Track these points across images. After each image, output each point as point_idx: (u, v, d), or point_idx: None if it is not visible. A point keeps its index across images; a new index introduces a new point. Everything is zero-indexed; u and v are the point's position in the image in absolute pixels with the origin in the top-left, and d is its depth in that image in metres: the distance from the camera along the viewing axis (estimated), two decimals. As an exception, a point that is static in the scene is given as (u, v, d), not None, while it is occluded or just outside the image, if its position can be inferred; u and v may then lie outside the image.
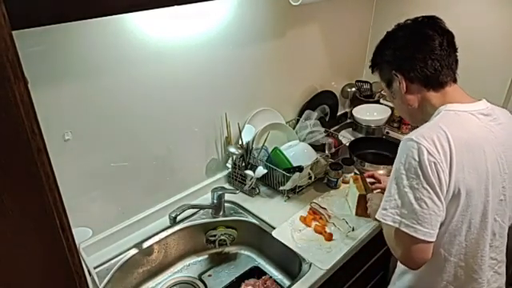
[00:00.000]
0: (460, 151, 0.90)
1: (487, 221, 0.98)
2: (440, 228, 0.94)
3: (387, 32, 1.09)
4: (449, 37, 1.00)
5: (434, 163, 0.88)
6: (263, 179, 1.60)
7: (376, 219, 1.04)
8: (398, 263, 1.17)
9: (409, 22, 1.05)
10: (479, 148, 0.93)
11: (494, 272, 1.08)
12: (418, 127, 0.98)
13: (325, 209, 1.47)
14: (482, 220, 0.98)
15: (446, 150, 0.89)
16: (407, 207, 0.91)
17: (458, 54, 1.02)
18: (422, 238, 0.89)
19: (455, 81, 1.02)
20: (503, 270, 1.11)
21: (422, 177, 0.88)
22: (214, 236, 1.48)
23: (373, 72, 1.14)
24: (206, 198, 1.55)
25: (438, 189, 0.89)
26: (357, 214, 1.44)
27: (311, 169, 1.56)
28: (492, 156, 0.95)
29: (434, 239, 0.91)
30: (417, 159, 0.89)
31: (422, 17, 1.04)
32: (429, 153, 0.88)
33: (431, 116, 1.00)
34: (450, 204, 0.93)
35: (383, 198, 0.97)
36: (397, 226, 0.92)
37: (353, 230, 1.39)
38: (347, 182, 1.63)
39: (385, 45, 1.08)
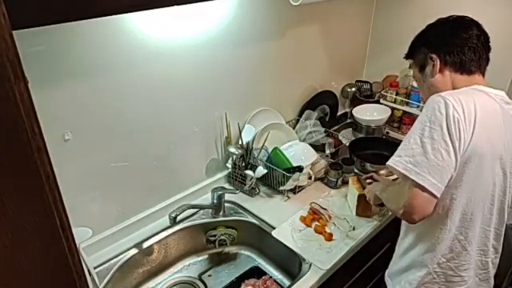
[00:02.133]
0: (483, 118, 0.94)
1: (494, 198, 1.02)
2: (451, 193, 0.98)
3: (429, 24, 1.13)
4: (486, 35, 1.06)
5: (458, 119, 0.91)
6: (263, 179, 1.60)
7: (376, 205, 1.14)
8: (399, 242, 1.20)
9: (454, 17, 1.10)
10: (498, 125, 0.97)
11: (490, 261, 1.11)
12: None
13: (325, 209, 1.47)
14: (490, 196, 1.01)
15: (471, 112, 0.93)
16: (423, 156, 0.92)
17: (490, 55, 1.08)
18: (429, 188, 0.91)
19: (483, 75, 1.08)
20: (497, 261, 1.14)
21: (444, 129, 0.91)
22: (214, 236, 1.48)
23: (408, 58, 1.18)
24: (206, 198, 1.55)
25: (456, 144, 0.91)
26: (357, 214, 1.44)
27: (311, 169, 1.56)
28: (505, 139, 0.99)
29: (439, 193, 0.93)
30: (443, 113, 0.92)
31: (460, 15, 1.10)
32: (454, 108, 0.91)
33: None
34: (463, 166, 0.95)
35: (399, 148, 0.99)
36: (407, 173, 0.94)
37: (353, 229, 1.39)
38: (347, 182, 1.63)
39: (427, 31, 1.13)
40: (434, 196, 0.93)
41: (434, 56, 1.06)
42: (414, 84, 1.90)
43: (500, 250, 1.12)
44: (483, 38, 1.04)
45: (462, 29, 1.04)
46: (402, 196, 0.98)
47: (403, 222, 1.18)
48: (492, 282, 1.15)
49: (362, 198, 1.41)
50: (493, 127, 0.97)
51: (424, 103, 1.13)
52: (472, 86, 1.02)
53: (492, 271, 1.14)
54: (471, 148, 0.93)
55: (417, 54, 1.13)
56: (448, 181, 0.94)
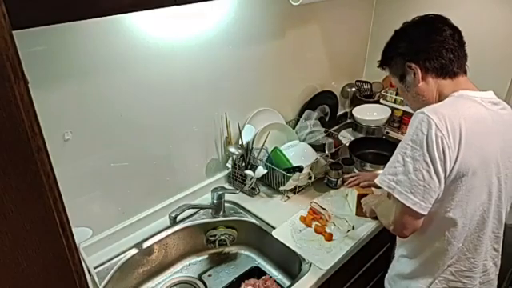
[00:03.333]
0: (470, 130, 0.92)
1: (491, 206, 1.01)
2: (445, 207, 0.98)
3: (396, 30, 1.10)
4: (458, 31, 1.03)
5: (441, 138, 0.90)
6: (263, 179, 1.60)
7: (372, 218, 1.16)
8: (397, 248, 1.20)
9: (417, 18, 1.08)
10: (488, 133, 0.96)
11: (493, 263, 1.10)
12: None
13: (325, 209, 1.47)
14: (487, 204, 1.00)
15: (455, 127, 0.91)
16: (404, 175, 0.94)
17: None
18: (411, 207, 0.93)
19: (465, 73, 1.05)
20: (499, 262, 1.13)
21: (425, 150, 0.91)
22: (214, 236, 1.48)
23: (383, 68, 1.15)
24: (206, 198, 1.55)
25: (438, 165, 0.91)
26: (357, 214, 1.45)
27: (311, 169, 1.56)
28: (499, 143, 0.97)
29: (424, 212, 0.94)
30: (425, 132, 0.91)
31: (429, 14, 1.07)
32: (437, 127, 0.90)
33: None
34: (454, 183, 0.95)
35: (387, 165, 1.00)
36: (390, 191, 0.96)
37: (353, 228, 1.39)
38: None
39: (397, 39, 1.09)
40: (419, 214, 0.94)
41: (413, 65, 1.03)
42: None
43: (500, 251, 1.12)
44: (457, 36, 1.02)
45: (434, 31, 1.02)
46: (391, 212, 1.01)
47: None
48: (495, 282, 1.15)
49: (361, 198, 1.41)
50: (483, 136, 0.95)
51: (412, 110, 1.14)
52: (457, 91, 1.00)
53: (494, 272, 1.13)
54: (459, 165, 0.92)
55: (392, 63, 1.10)
56: (434, 199, 0.94)
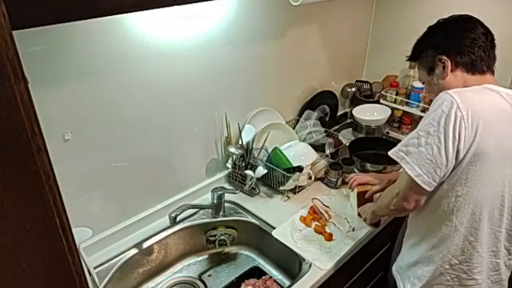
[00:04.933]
0: (491, 118, 0.93)
1: (504, 201, 1.00)
2: (456, 190, 0.98)
3: (430, 26, 1.12)
4: (491, 33, 1.06)
5: (460, 118, 0.91)
6: (263, 179, 1.60)
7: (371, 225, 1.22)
8: (406, 237, 1.20)
9: (452, 17, 1.10)
10: (509, 123, 0.97)
11: (503, 263, 1.09)
12: None
13: (328, 207, 1.46)
14: (500, 197, 1.00)
15: (476, 111, 0.92)
16: (415, 147, 0.96)
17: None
18: (414, 178, 0.96)
19: (493, 73, 1.07)
20: (511, 263, 1.12)
21: (441, 126, 0.92)
22: (214, 236, 1.48)
23: (414, 61, 1.16)
24: (206, 198, 1.55)
25: (450, 143, 0.92)
26: (359, 214, 1.44)
27: (311, 169, 1.56)
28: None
29: (426, 187, 0.96)
30: (445, 111, 0.93)
31: (461, 14, 1.09)
32: (458, 107, 0.92)
33: None
34: (468, 165, 0.95)
35: (404, 139, 1.02)
36: (399, 160, 1.00)
37: (353, 230, 1.39)
38: (347, 183, 1.63)
39: (431, 33, 1.11)
40: (422, 188, 0.96)
41: (445, 57, 1.05)
42: (414, 84, 1.90)
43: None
44: (490, 37, 1.05)
45: (468, 29, 1.04)
46: (394, 189, 1.05)
47: (409, 220, 1.19)
48: (506, 284, 1.14)
49: (361, 195, 1.41)
50: (503, 126, 0.96)
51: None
52: (484, 85, 1.02)
53: (505, 273, 1.12)
54: (475, 147, 0.93)
55: (423, 56, 1.12)
56: (440, 176, 0.96)
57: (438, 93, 1.09)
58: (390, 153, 1.04)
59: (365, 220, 1.38)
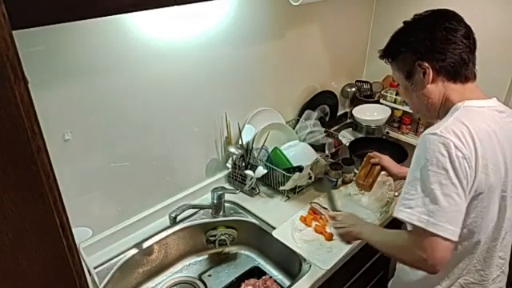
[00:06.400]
0: (483, 147, 0.89)
1: (503, 219, 0.99)
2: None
3: (405, 22, 1.03)
4: (470, 30, 0.98)
5: (462, 158, 0.86)
6: (263, 179, 1.60)
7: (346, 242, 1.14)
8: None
9: (428, 12, 1.00)
10: (498, 143, 0.92)
11: (500, 272, 1.08)
12: (432, 124, 0.96)
13: (326, 209, 1.47)
14: (498, 217, 0.98)
15: (470, 146, 0.87)
16: (435, 205, 0.86)
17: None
18: (449, 237, 0.86)
19: (475, 78, 1.00)
20: (507, 269, 1.11)
21: (451, 172, 0.85)
22: (214, 236, 1.48)
23: (389, 61, 1.07)
24: (206, 198, 1.55)
25: (465, 184, 0.87)
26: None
27: (311, 169, 1.56)
28: (508, 152, 0.94)
29: (457, 238, 0.88)
30: (445, 154, 0.85)
31: (440, 9, 1.00)
32: (456, 147, 0.86)
33: (447, 112, 0.97)
34: (472, 201, 0.91)
35: (402, 197, 0.93)
36: (423, 226, 0.87)
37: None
38: (347, 182, 1.63)
39: (407, 33, 1.02)
40: (453, 242, 0.88)
41: (426, 64, 0.96)
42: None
43: (507, 258, 1.08)
44: (472, 38, 0.97)
45: (450, 30, 0.95)
46: (418, 246, 0.90)
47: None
48: None
49: (369, 167, 1.39)
50: (496, 150, 0.91)
51: (412, 111, 1.08)
52: (463, 100, 0.95)
53: (503, 281, 1.10)
54: (478, 184, 0.89)
55: (401, 58, 1.03)
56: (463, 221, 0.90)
57: (416, 100, 1.04)
58: (403, 217, 0.91)
59: (339, 237, 1.24)
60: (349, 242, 1.28)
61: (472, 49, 0.97)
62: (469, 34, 0.96)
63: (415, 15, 1.02)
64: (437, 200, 0.86)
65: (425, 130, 2.08)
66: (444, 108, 0.99)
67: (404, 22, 1.04)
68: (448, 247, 0.87)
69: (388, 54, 1.06)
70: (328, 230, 1.38)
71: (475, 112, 0.94)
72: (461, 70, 0.96)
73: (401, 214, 0.92)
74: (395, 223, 1.54)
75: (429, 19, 1.00)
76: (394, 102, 2.00)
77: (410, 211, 0.90)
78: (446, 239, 0.86)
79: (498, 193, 0.95)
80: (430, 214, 0.87)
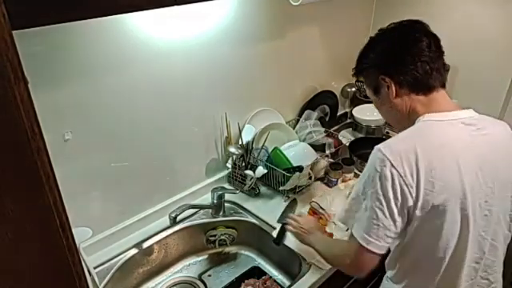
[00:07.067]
0: (428, 165, 0.86)
1: (468, 238, 0.92)
2: (416, 246, 0.94)
3: (370, 37, 1.04)
4: (435, 39, 0.96)
5: (397, 176, 0.85)
6: (263, 179, 1.60)
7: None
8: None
9: (392, 25, 1.00)
10: (452, 159, 0.88)
11: None
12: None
13: (324, 209, 1.47)
14: (461, 237, 0.92)
15: (411, 163, 0.85)
16: (360, 213, 0.92)
17: (445, 57, 0.98)
18: (366, 246, 0.89)
19: (444, 85, 0.98)
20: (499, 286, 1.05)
21: (378, 187, 0.87)
22: (214, 236, 1.48)
23: (358, 79, 1.09)
24: (206, 198, 1.55)
25: (393, 204, 0.86)
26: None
27: (311, 169, 1.56)
28: (469, 168, 0.89)
29: (380, 251, 0.90)
30: (378, 170, 0.87)
31: (406, 20, 1.00)
32: (392, 165, 0.85)
33: (413, 124, 0.96)
34: (422, 219, 0.89)
35: (347, 201, 0.98)
36: (349, 228, 0.94)
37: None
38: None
39: (369, 49, 1.03)
40: (376, 253, 0.90)
41: (387, 78, 0.96)
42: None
43: (496, 278, 1.03)
44: (434, 45, 0.94)
45: (410, 42, 0.94)
46: (347, 249, 0.97)
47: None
48: None
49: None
50: (445, 170, 0.87)
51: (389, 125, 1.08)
52: (426, 113, 0.94)
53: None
54: (423, 201, 0.86)
55: (366, 74, 1.04)
56: (392, 237, 0.90)
57: (387, 114, 1.05)
58: (338, 218, 0.99)
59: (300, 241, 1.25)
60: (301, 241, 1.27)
61: (434, 57, 0.94)
62: (431, 44, 0.94)
63: (379, 30, 1.03)
64: (360, 209, 0.91)
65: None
66: (410, 120, 0.98)
67: (369, 38, 1.04)
68: (369, 256, 0.91)
69: (356, 71, 1.09)
70: (328, 229, 1.38)
71: (432, 126, 0.92)
72: (422, 80, 0.94)
73: (338, 214, 1.00)
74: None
75: (390, 33, 1.00)
76: (394, 102, 2.00)
77: (343, 214, 0.98)
78: (366, 249, 0.90)
79: (455, 211, 0.89)
80: (357, 220, 0.93)
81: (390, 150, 0.87)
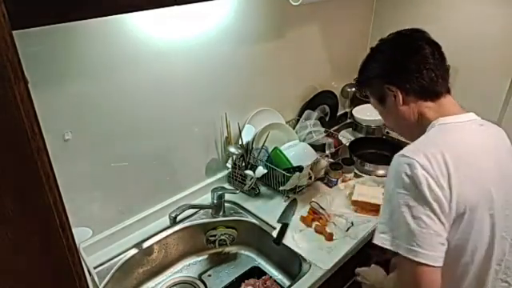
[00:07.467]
0: (457, 165, 0.85)
1: (494, 239, 0.91)
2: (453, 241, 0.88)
3: (371, 48, 1.05)
4: (437, 47, 0.97)
5: (431, 178, 0.83)
6: (263, 179, 1.60)
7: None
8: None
9: (392, 35, 1.02)
10: (476, 159, 0.88)
11: None
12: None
13: (324, 209, 1.47)
14: (489, 238, 0.91)
15: (441, 165, 0.84)
16: (404, 228, 0.84)
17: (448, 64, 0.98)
18: (424, 261, 0.82)
19: (449, 91, 0.98)
20: None
21: (417, 193, 0.83)
22: (214, 236, 1.48)
23: (361, 90, 1.09)
24: (206, 198, 1.55)
25: (435, 206, 0.83)
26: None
27: (311, 169, 1.56)
28: (491, 166, 0.90)
29: (439, 263, 0.84)
30: (410, 174, 0.83)
31: (406, 29, 1.01)
32: (422, 167, 0.83)
33: (425, 131, 0.96)
34: (455, 222, 0.86)
35: (380, 220, 0.91)
36: (394, 249, 0.86)
37: (352, 224, 1.39)
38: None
39: (372, 59, 1.04)
40: (434, 266, 0.83)
41: (393, 87, 0.97)
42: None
43: None
44: (437, 52, 0.95)
45: (413, 50, 0.95)
46: (402, 272, 0.90)
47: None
48: None
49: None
50: (472, 170, 0.87)
51: (391, 130, 1.07)
52: (438, 118, 0.94)
53: None
54: (456, 203, 0.84)
55: (371, 84, 1.04)
56: (446, 245, 0.85)
57: (394, 122, 1.05)
58: (378, 242, 0.89)
59: None
60: None
61: (438, 64, 0.95)
62: (434, 51, 0.95)
63: (379, 40, 1.04)
64: (407, 223, 0.83)
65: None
66: (421, 127, 0.97)
67: (370, 49, 1.05)
68: (429, 272, 0.83)
69: (359, 82, 1.09)
70: (328, 229, 1.38)
71: (452, 128, 0.92)
72: (429, 88, 0.95)
73: (376, 239, 0.90)
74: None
75: (392, 42, 1.01)
76: (394, 102, 2.00)
77: (382, 236, 0.88)
78: (423, 264, 0.82)
79: (484, 211, 0.88)
80: (403, 239, 0.85)
81: (416, 154, 0.85)
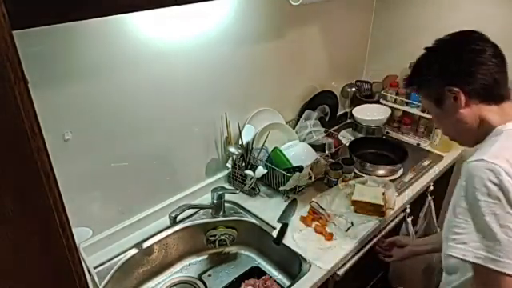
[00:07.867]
0: None
1: None
2: None
3: (427, 48, 1.01)
4: (497, 48, 0.94)
5: None
6: (263, 179, 1.60)
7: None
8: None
9: (449, 36, 0.98)
10: None
11: None
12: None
13: (323, 209, 1.47)
14: None
15: None
16: (491, 238, 0.80)
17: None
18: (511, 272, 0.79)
19: (509, 97, 0.95)
20: None
21: (504, 201, 0.79)
22: (214, 236, 1.48)
23: (418, 92, 1.04)
24: (206, 198, 1.55)
25: None
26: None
27: (311, 169, 1.56)
28: None
29: None
30: (496, 181, 0.79)
31: (462, 31, 0.98)
32: (507, 173, 0.79)
33: (487, 136, 0.93)
34: None
35: (450, 231, 0.87)
36: (481, 262, 0.81)
37: (352, 224, 1.39)
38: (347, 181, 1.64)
39: (430, 59, 0.99)
40: None
41: (456, 89, 0.92)
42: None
43: None
44: (498, 53, 0.93)
45: (476, 52, 0.92)
46: (479, 284, 0.86)
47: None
48: None
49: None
50: None
51: (444, 134, 1.03)
52: (503, 124, 0.90)
53: None
54: None
55: (428, 85, 0.99)
56: None
57: (451, 127, 1.00)
58: (457, 255, 0.84)
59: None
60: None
61: (502, 67, 0.93)
62: (496, 53, 0.93)
63: (436, 40, 1.00)
64: (493, 233, 0.80)
65: (425, 130, 2.08)
66: (482, 131, 0.95)
67: (426, 49, 1.01)
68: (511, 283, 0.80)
69: (414, 82, 1.04)
70: (328, 229, 1.38)
71: None
72: (493, 90, 0.92)
73: (453, 250, 0.85)
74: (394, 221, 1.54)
75: (453, 43, 0.97)
76: (394, 102, 2.00)
77: (463, 247, 0.84)
78: (509, 275, 0.79)
79: None
80: (488, 250, 0.80)
81: (498, 159, 0.81)
